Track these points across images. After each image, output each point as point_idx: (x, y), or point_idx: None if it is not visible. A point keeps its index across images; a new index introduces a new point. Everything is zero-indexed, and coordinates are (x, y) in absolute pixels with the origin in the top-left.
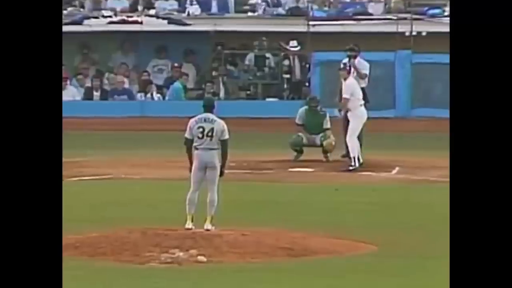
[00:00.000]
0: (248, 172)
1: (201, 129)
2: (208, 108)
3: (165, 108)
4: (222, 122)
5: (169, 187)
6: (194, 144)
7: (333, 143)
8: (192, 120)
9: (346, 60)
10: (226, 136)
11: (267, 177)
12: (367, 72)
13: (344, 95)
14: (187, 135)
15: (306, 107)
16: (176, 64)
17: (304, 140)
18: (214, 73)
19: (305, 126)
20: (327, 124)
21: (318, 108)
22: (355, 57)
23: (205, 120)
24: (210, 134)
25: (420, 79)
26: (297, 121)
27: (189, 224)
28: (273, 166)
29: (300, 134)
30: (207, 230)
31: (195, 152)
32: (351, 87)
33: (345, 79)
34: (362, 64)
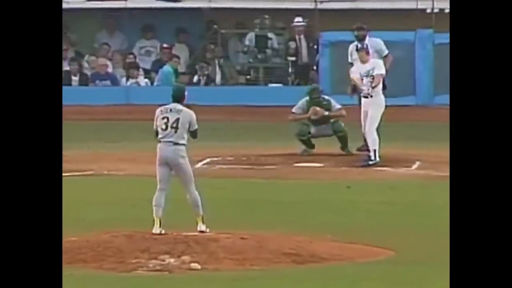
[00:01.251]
0: (248, 167)
1: (165, 120)
2: (177, 98)
3: (153, 94)
4: (190, 112)
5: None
6: (158, 136)
7: (344, 112)
8: (157, 110)
9: (355, 43)
10: (195, 127)
11: (269, 174)
12: (385, 49)
13: (378, 72)
14: (154, 126)
15: (307, 98)
16: (165, 45)
17: (312, 130)
18: (208, 55)
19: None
20: (337, 105)
21: (321, 99)
22: (364, 36)
23: (170, 110)
24: (175, 125)
25: (444, 62)
26: (294, 110)
27: (156, 229)
28: (276, 161)
29: (305, 122)
30: (202, 232)
31: (157, 146)
32: (381, 64)
33: (365, 61)
34: (375, 43)
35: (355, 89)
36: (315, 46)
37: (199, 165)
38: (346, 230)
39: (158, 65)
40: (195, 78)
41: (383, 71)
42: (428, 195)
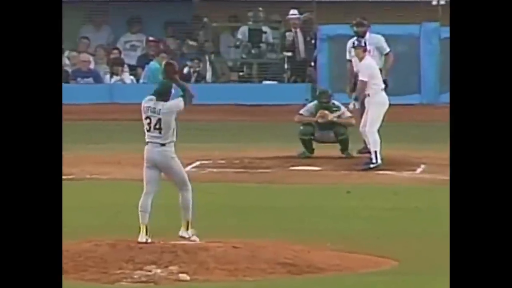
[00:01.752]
0: (241, 171)
1: (148, 120)
2: (161, 96)
3: (139, 93)
4: (169, 105)
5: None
6: (145, 136)
7: (353, 121)
8: (142, 104)
9: (353, 40)
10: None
11: (264, 178)
12: (387, 47)
13: (361, 78)
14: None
15: (315, 102)
16: (151, 39)
17: (317, 133)
18: (199, 51)
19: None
20: (347, 113)
21: (330, 104)
22: (364, 33)
23: (153, 111)
24: (157, 126)
25: None
26: (302, 111)
27: (142, 237)
28: (271, 164)
29: (311, 123)
30: (182, 237)
31: (145, 147)
32: (370, 68)
33: (361, 59)
34: (375, 39)
35: (355, 88)
36: (313, 41)
37: (188, 168)
38: (346, 238)
39: (144, 60)
40: (185, 70)
41: (365, 78)
42: (433, 200)
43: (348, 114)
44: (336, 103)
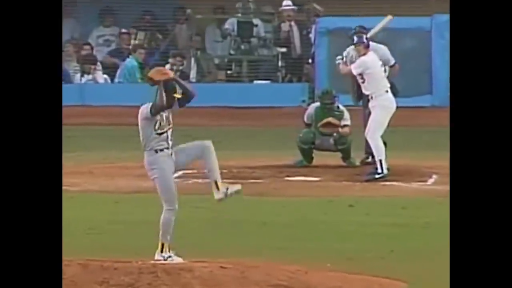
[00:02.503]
0: (230, 182)
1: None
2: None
3: (113, 94)
4: (141, 110)
5: (120, 203)
6: None
7: (348, 130)
8: None
9: (349, 50)
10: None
11: (255, 189)
12: (392, 58)
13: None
14: None
15: (318, 103)
16: (124, 31)
17: (317, 140)
18: (182, 46)
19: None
20: (347, 121)
21: (334, 105)
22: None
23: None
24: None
25: None
26: (305, 119)
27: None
28: (263, 174)
29: (312, 129)
30: (157, 260)
31: None
32: (364, 64)
33: (363, 54)
34: (379, 50)
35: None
36: (310, 35)
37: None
38: (348, 258)
39: (115, 54)
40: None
41: (354, 71)
42: (446, 215)
43: (348, 122)
44: (341, 107)
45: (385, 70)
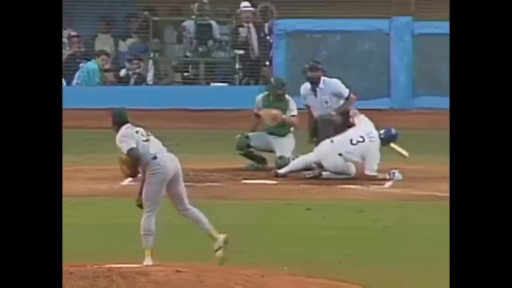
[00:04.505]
0: (186, 185)
1: None
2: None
3: (70, 96)
4: (118, 135)
5: (74, 206)
6: None
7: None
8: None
9: (308, 86)
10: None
11: (212, 192)
12: (345, 90)
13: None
14: None
15: (266, 92)
16: (73, 34)
17: (256, 142)
18: (139, 47)
19: (262, 120)
20: (293, 111)
21: (281, 93)
22: (318, 78)
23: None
24: None
25: (425, 56)
26: (255, 110)
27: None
28: (220, 177)
29: (246, 133)
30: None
31: None
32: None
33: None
34: (332, 85)
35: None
36: (268, 37)
37: (125, 182)
38: (306, 262)
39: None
40: (122, 72)
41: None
42: (404, 219)
43: (294, 112)
44: (287, 96)
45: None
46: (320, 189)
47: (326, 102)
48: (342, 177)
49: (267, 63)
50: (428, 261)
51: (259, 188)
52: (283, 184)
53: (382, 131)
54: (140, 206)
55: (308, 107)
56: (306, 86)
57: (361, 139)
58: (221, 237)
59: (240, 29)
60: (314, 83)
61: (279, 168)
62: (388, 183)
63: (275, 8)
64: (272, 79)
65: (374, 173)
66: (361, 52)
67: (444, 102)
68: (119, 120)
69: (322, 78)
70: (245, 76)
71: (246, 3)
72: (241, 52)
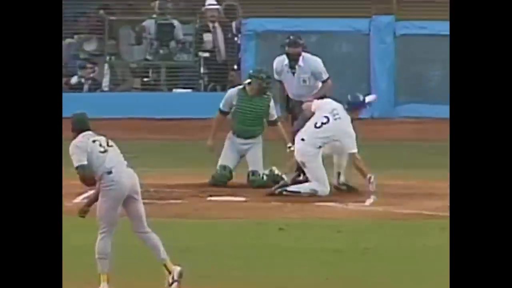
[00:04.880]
0: (146, 202)
1: None
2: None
3: None
4: (71, 144)
5: None
6: None
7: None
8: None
9: (285, 62)
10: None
11: (175, 210)
12: (325, 73)
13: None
14: None
15: (241, 87)
16: None
17: (232, 162)
18: (93, 50)
19: (234, 121)
20: (272, 116)
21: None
22: (298, 54)
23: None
24: None
25: (408, 59)
26: (221, 106)
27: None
28: (184, 193)
29: (222, 164)
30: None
31: None
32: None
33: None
34: (312, 63)
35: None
36: (236, 38)
37: (78, 199)
38: (279, 287)
39: None
40: (74, 80)
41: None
42: (386, 239)
43: (274, 116)
44: (269, 93)
45: (304, 81)
46: (294, 207)
47: (304, 81)
48: (319, 190)
49: (235, 66)
50: (414, 287)
51: (226, 206)
52: (253, 201)
53: (346, 100)
54: (82, 216)
55: (280, 82)
56: (282, 61)
57: (325, 120)
58: (177, 269)
59: (205, 30)
60: (294, 60)
61: (254, 184)
62: (369, 200)
63: (241, 6)
64: (257, 69)
65: (355, 150)
66: (338, 55)
67: (429, 110)
68: (78, 127)
69: (302, 54)
70: (211, 82)
71: (212, 1)
72: (207, 54)
